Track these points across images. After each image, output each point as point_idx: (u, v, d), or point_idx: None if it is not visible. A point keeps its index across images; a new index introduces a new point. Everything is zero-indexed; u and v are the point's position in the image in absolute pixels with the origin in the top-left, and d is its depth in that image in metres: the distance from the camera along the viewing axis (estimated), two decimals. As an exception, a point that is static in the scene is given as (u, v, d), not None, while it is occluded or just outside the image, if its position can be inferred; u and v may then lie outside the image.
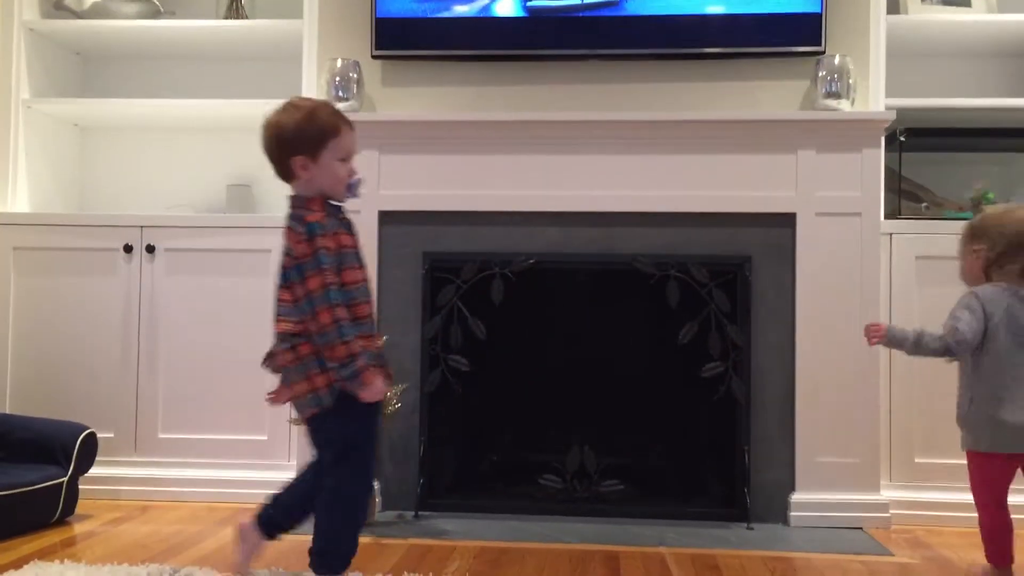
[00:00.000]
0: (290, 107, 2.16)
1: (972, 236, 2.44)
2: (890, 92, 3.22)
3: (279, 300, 2.14)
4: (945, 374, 3.09)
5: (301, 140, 2.11)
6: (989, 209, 2.49)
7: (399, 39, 3.28)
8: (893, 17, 3.26)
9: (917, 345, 2.42)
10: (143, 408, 3.31)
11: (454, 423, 3.30)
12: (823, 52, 3.16)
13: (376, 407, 2.16)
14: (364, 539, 2.75)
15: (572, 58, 3.27)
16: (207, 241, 3.31)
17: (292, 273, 2.06)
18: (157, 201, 3.66)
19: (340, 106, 3.19)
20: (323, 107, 2.17)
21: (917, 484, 3.11)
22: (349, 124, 2.16)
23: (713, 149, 3.13)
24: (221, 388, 3.30)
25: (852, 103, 3.14)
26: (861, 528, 2.99)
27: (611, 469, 3.17)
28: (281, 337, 2.13)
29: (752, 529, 2.98)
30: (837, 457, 3.05)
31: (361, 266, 2.14)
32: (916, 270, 3.12)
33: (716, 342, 3.09)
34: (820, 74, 3.14)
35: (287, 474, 3.18)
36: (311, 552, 2.15)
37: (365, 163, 3.18)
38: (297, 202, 2.13)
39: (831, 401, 3.06)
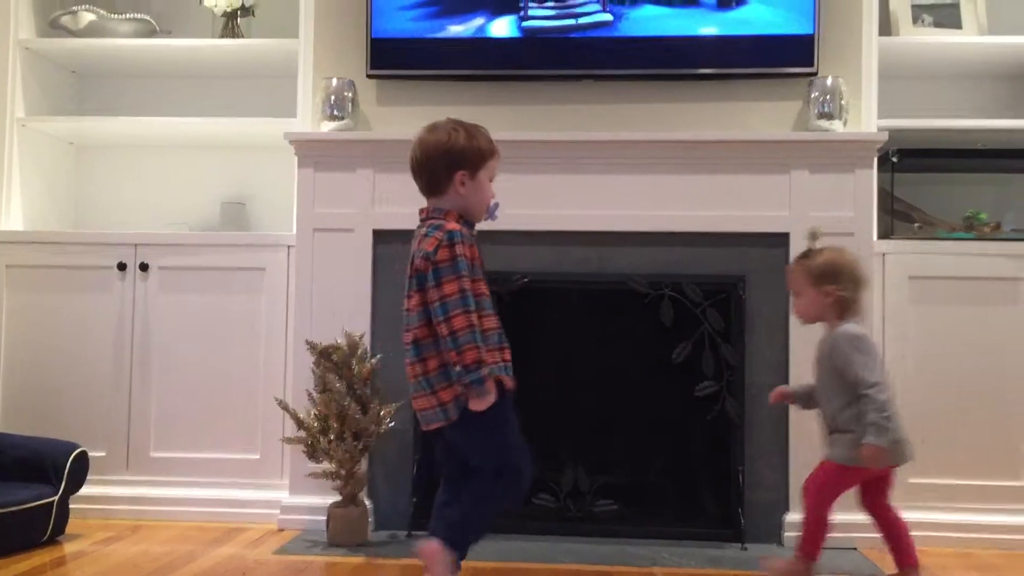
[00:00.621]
0: (454, 126, 2.26)
1: (824, 277, 2.52)
2: (882, 113, 3.24)
3: (407, 310, 2.20)
4: (941, 399, 3.11)
5: (467, 156, 2.23)
6: (828, 252, 2.55)
7: (394, 59, 3.29)
8: (885, 39, 3.28)
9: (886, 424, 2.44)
10: (135, 426, 3.30)
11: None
12: (816, 73, 3.18)
13: (505, 416, 2.18)
14: (356, 559, 2.75)
15: (566, 78, 3.28)
16: (201, 259, 3.31)
17: (428, 277, 2.12)
18: (151, 219, 3.66)
19: (333, 125, 3.24)
20: (480, 128, 2.29)
21: (911, 504, 3.09)
22: (498, 150, 2.29)
23: (707, 169, 3.14)
24: (214, 406, 3.29)
25: (845, 124, 3.16)
26: (855, 548, 2.99)
27: (605, 488, 3.17)
28: (409, 348, 2.19)
29: (746, 549, 2.97)
30: (831, 477, 3.04)
31: (486, 281, 2.20)
32: (909, 290, 3.13)
33: (710, 361, 3.09)
34: (813, 95, 3.16)
35: (279, 494, 3.19)
36: (436, 518, 2.22)
37: (359, 182, 3.20)
38: (436, 213, 2.22)
39: (825, 421, 3.05)
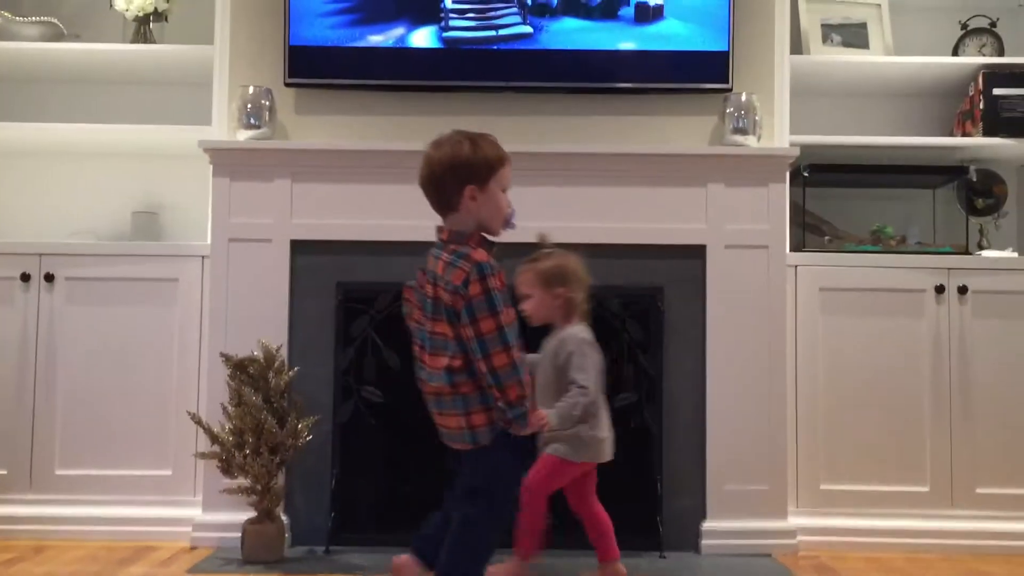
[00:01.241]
0: (459, 138, 2.17)
1: (554, 280, 2.61)
2: (794, 129, 3.32)
3: (432, 333, 2.11)
4: (850, 406, 3.20)
5: (473, 169, 2.13)
6: (557, 256, 2.63)
7: (313, 67, 3.25)
8: (796, 57, 3.37)
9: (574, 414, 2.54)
10: (39, 443, 3.17)
11: (368, 455, 3.25)
12: (731, 89, 3.25)
13: (524, 449, 2.20)
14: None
15: (487, 90, 3.29)
16: (111, 270, 3.21)
17: (462, 313, 2.03)
18: (58, 228, 3.53)
19: (250, 134, 3.18)
20: (487, 138, 2.19)
21: (823, 510, 3.18)
22: (510, 158, 2.21)
23: (625, 182, 3.18)
24: (124, 421, 3.19)
25: (759, 139, 3.23)
26: (770, 555, 3.04)
27: (525, 500, 3.16)
28: (437, 372, 2.10)
29: (664, 558, 3.00)
30: (746, 485, 3.10)
31: (512, 307, 2.12)
32: (820, 301, 3.22)
33: (629, 372, 3.12)
34: (728, 110, 3.23)
35: (192, 511, 3.10)
36: None
37: (276, 192, 3.14)
38: (457, 238, 2.13)
39: (740, 429, 3.11)
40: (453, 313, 2.06)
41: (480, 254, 2.09)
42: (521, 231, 3.10)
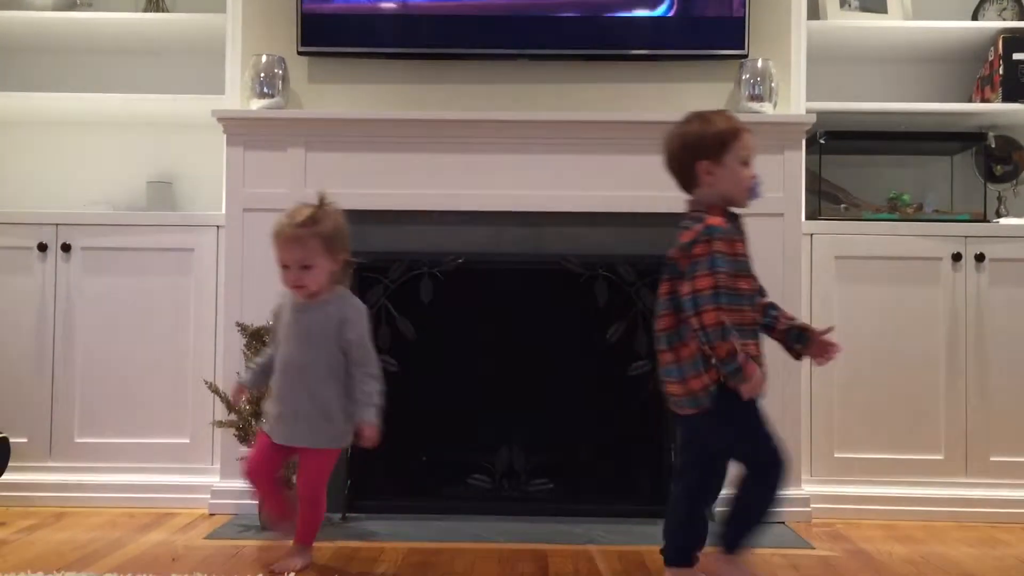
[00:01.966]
0: (690, 116, 2.25)
1: (336, 244, 2.40)
2: (810, 96, 3.29)
3: (659, 295, 2.21)
4: (865, 374, 3.19)
5: (704, 144, 2.20)
6: (330, 213, 2.40)
7: (326, 35, 3.24)
8: (813, 22, 3.33)
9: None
10: (58, 412, 3.21)
11: (383, 423, 3.26)
12: (746, 56, 3.22)
13: (754, 410, 2.19)
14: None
15: (500, 57, 3.27)
16: (126, 240, 3.23)
17: (687, 270, 2.12)
18: (74, 198, 3.55)
19: (264, 103, 3.17)
20: (721, 113, 2.25)
21: (837, 479, 3.19)
22: (747, 128, 2.22)
23: (640, 150, 3.15)
24: (141, 390, 3.21)
25: (775, 106, 3.20)
26: (783, 522, 3.05)
27: (540, 468, 3.19)
28: (660, 336, 2.19)
29: (678, 525, 3.01)
30: (760, 453, 3.10)
31: (752, 276, 2.20)
32: (836, 269, 3.20)
33: (643, 341, 3.12)
34: (744, 77, 3.20)
35: (210, 478, 3.13)
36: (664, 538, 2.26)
37: (290, 161, 3.14)
38: (696, 206, 2.22)
39: (754, 398, 3.11)
40: (678, 272, 2.15)
41: (715, 220, 2.15)
42: (547, 199, 3.12)
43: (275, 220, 2.43)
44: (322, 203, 2.41)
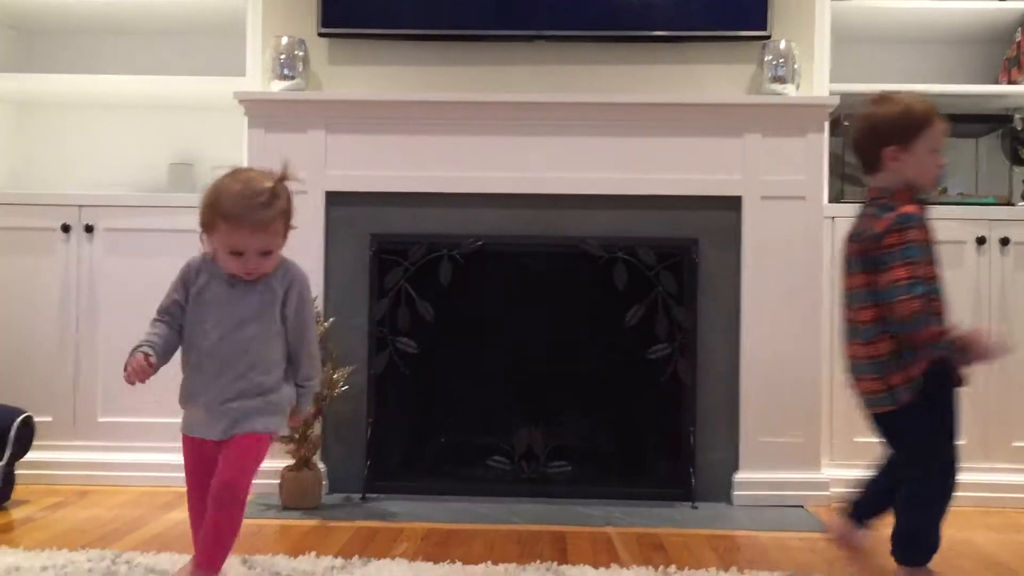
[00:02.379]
0: (884, 99, 2.17)
1: (289, 219, 2.05)
2: (834, 77, 3.26)
3: (848, 288, 2.15)
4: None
5: (896, 130, 2.12)
6: (282, 188, 2.02)
7: (346, 17, 3.23)
8: (837, 3, 3.30)
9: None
10: (82, 391, 3.24)
11: (402, 405, 3.28)
12: (769, 37, 3.19)
13: (954, 400, 2.13)
14: (311, 522, 2.74)
15: (520, 39, 3.26)
16: (148, 221, 3.25)
17: (878, 260, 2.06)
18: (96, 180, 3.58)
19: (284, 85, 3.17)
20: (917, 99, 2.17)
21: (856, 463, 3.16)
22: (941, 116, 2.16)
23: (661, 132, 3.14)
24: (164, 370, 3.21)
25: (797, 88, 3.18)
26: (802, 506, 3.05)
27: (558, 450, 3.19)
28: (856, 328, 2.14)
29: (697, 508, 3.02)
30: (779, 437, 3.10)
31: (936, 263, 2.13)
32: (858, 253, 3.17)
33: (663, 324, 3.12)
34: (766, 58, 3.17)
35: (232, 457, 3.15)
36: (892, 540, 2.16)
37: (311, 143, 3.15)
38: (882, 193, 2.13)
39: (774, 382, 3.10)
40: (871, 261, 2.08)
41: (908, 207, 2.08)
42: (567, 181, 3.12)
43: (219, 191, 2.00)
44: (284, 175, 2.03)
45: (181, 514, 2.82)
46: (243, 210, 1.96)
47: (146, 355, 2.06)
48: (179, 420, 3.27)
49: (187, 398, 2.14)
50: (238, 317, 2.05)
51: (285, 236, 2.04)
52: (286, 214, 2.03)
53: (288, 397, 2.10)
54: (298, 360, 2.10)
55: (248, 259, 2.00)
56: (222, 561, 1.98)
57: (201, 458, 2.10)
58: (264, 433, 2.06)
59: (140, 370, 2.06)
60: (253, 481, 2.09)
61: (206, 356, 2.08)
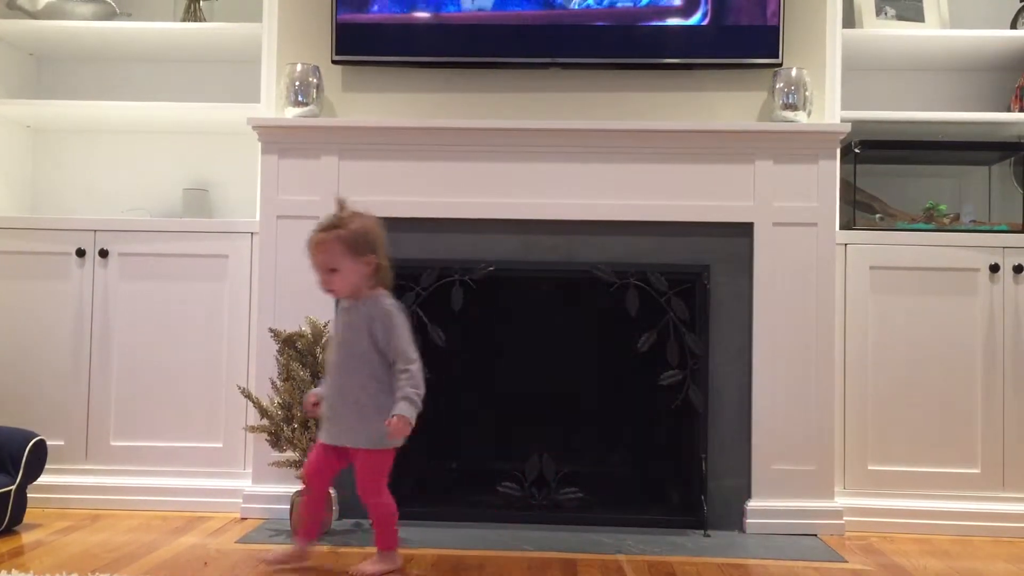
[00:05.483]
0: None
1: (364, 246, 2.46)
2: (845, 105, 3.27)
3: None
4: (900, 386, 3.16)
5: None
6: (358, 218, 2.49)
7: (360, 44, 3.26)
8: (849, 31, 3.31)
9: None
10: (95, 415, 3.25)
11: (414, 430, 3.27)
12: (780, 64, 3.20)
13: None
14: (321, 548, 2.73)
15: (533, 66, 3.28)
16: (162, 246, 3.27)
17: None
18: (111, 205, 3.60)
19: (298, 111, 3.20)
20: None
21: (870, 491, 3.15)
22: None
23: (672, 159, 3.15)
24: (176, 395, 3.25)
25: (809, 115, 3.18)
26: (816, 535, 3.02)
27: (570, 477, 3.18)
28: None
29: (709, 536, 3.00)
30: (792, 464, 3.08)
31: None
32: (870, 280, 3.17)
33: (674, 350, 3.11)
34: (777, 86, 3.18)
35: (242, 482, 3.16)
36: None
37: (324, 169, 3.17)
38: None
39: (787, 409, 3.09)
40: None
41: None
42: (579, 208, 3.13)
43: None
44: (342, 208, 2.49)
45: (192, 539, 2.83)
46: (311, 234, 2.50)
47: (312, 393, 2.64)
48: (190, 444, 3.29)
49: (324, 407, 2.56)
50: (340, 340, 2.52)
51: (358, 260, 2.45)
52: (345, 241, 2.43)
53: (388, 411, 2.41)
54: (394, 376, 2.45)
55: (321, 275, 2.48)
56: (393, 543, 2.53)
57: (320, 447, 2.55)
58: (368, 448, 2.46)
59: (309, 407, 2.63)
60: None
61: (328, 374, 2.58)
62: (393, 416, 2.39)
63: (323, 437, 2.53)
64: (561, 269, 3.18)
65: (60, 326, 3.27)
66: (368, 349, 2.45)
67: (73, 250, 3.27)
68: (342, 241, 2.44)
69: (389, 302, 2.49)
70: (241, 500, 3.13)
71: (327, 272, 2.46)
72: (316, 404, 2.58)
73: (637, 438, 3.34)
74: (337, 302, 2.59)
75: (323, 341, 3.01)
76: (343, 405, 2.48)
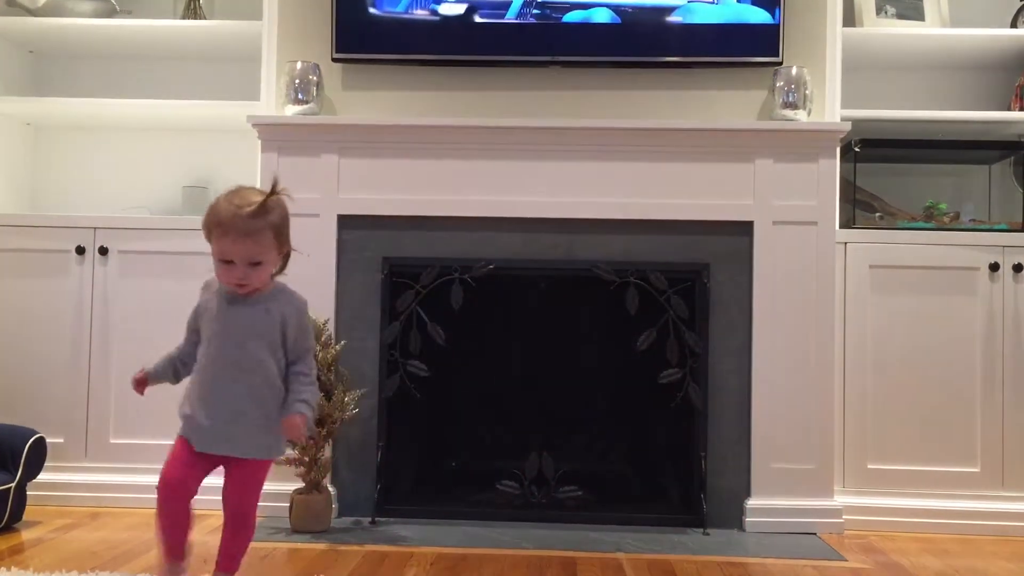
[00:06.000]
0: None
1: (285, 235, 2.08)
2: (845, 103, 3.27)
3: None
4: (899, 385, 3.16)
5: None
6: (273, 198, 2.04)
7: (360, 43, 3.26)
8: (849, 29, 3.31)
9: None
10: (94, 413, 3.25)
11: (413, 429, 3.28)
12: (780, 63, 3.20)
13: None
14: (320, 546, 2.74)
15: (533, 64, 3.27)
16: (162, 244, 3.27)
17: None
18: (111, 202, 3.60)
19: (298, 109, 3.20)
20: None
21: (870, 490, 3.15)
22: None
23: (672, 157, 3.15)
24: (174, 392, 3.22)
25: (809, 113, 3.18)
26: (815, 533, 3.03)
27: (569, 475, 3.18)
28: None
29: (708, 534, 3.00)
30: (792, 463, 3.08)
31: None
32: (870, 278, 3.17)
33: (674, 349, 3.11)
34: (778, 84, 3.18)
35: (242, 480, 3.15)
36: None
37: (324, 167, 3.17)
38: None
39: (786, 408, 3.09)
40: None
41: None
42: (578, 206, 3.13)
43: (216, 203, 2.08)
44: (274, 189, 2.05)
45: (191, 537, 2.82)
46: (232, 218, 2.02)
47: (142, 372, 2.27)
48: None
49: (190, 408, 2.18)
50: (238, 336, 2.08)
51: (279, 252, 2.07)
52: (276, 228, 2.04)
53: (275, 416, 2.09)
54: (290, 380, 2.10)
55: (237, 268, 2.03)
56: (238, 565, 2.25)
57: (188, 455, 2.18)
58: (262, 459, 2.15)
59: (136, 385, 2.29)
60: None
61: (209, 371, 2.13)
62: (293, 414, 2.05)
63: (195, 442, 2.14)
64: (561, 267, 3.18)
65: (60, 324, 3.27)
66: (271, 349, 2.07)
67: (73, 248, 3.27)
68: (273, 229, 2.03)
69: (300, 298, 2.14)
70: (241, 498, 3.13)
71: (248, 265, 2.02)
72: (143, 382, 2.24)
73: (637, 436, 3.34)
74: (208, 290, 2.20)
75: (322, 339, 3.01)
76: (225, 410, 2.09)
